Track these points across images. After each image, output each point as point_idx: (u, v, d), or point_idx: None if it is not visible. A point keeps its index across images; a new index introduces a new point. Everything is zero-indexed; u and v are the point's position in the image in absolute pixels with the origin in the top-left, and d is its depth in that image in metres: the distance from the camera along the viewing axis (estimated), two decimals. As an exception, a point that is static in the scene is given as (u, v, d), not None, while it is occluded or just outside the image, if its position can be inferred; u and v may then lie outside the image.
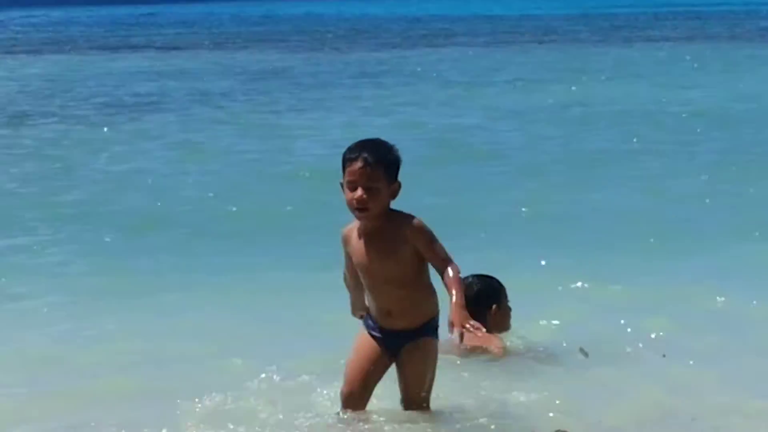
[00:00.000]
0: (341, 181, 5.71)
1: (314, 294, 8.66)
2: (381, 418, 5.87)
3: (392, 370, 5.91)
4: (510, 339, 7.36)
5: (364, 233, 5.75)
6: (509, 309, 7.47)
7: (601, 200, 12.81)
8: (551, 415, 6.07)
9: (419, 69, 30.95)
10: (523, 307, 7.53)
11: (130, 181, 14.68)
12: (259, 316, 8.37)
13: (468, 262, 7.86)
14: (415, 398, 5.90)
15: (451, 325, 5.46)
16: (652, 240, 10.57)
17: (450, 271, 5.58)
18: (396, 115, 20.82)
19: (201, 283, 9.45)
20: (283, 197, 13.12)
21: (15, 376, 7.25)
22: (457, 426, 5.92)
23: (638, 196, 12.96)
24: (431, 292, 5.79)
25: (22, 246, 11.18)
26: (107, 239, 11.39)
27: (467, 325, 5.43)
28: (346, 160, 5.67)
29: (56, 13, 79.14)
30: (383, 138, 5.79)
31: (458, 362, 6.92)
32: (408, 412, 5.90)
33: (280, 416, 6.10)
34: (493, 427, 5.97)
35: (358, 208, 5.64)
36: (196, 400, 6.37)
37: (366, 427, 5.83)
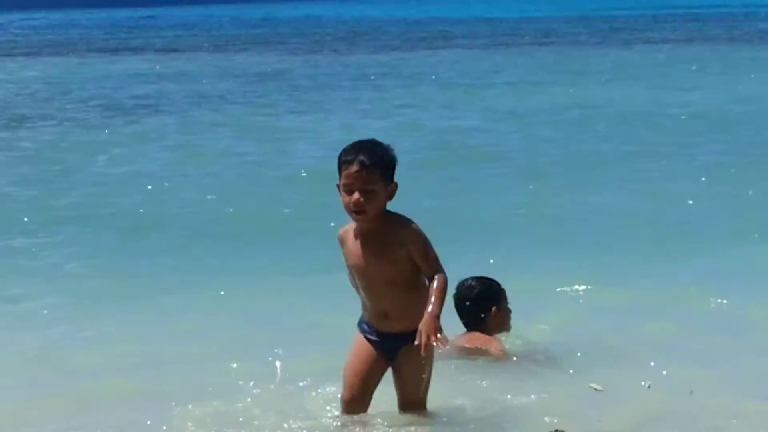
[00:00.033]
0: (337, 183, 5.70)
1: (313, 296, 8.67)
2: (379, 421, 5.86)
3: (388, 373, 5.89)
4: (509, 341, 7.36)
5: (360, 234, 5.74)
6: (509, 311, 7.47)
7: (601, 202, 12.81)
8: (550, 416, 6.06)
9: (418, 71, 30.96)
10: (522, 309, 7.52)
11: (129, 184, 14.67)
12: (257, 318, 8.37)
13: (467, 264, 7.91)
14: (413, 400, 5.89)
15: (419, 333, 5.48)
16: (651, 242, 10.57)
17: (436, 280, 5.60)
18: (395, 117, 20.83)
19: (200, 285, 9.45)
20: (282, 199, 13.12)
21: (14, 378, 7.25)
22: (457, 428, 5.92)
23: (638, 198, 12.96)
24: (426, 293, 5.78)
25: (21, 248, 11.19)
26: (106, 241, 11.39)
27: (433, 337, 5.45)
28: (342, 163, 5.66)
29: (56, 16, 79.15)
30: (382, 140, 5.79)
31: (458, 364, 6.92)
32: (407, 415, 5.89)
33: (279, 418, 6.09)
34: (492, 428, 5.97)
35: (355, 211, 5.64)
36: (195, 402, 6.37)
37: (365, 430, 5.82)
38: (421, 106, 22.75)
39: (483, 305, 7.30)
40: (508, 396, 6.43)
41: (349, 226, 5.81)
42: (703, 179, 13.85)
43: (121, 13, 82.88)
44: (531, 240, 10.86)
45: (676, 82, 25.92)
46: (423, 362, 5.80)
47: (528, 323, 7.64)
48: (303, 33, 52.97)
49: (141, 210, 12.90)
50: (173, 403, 6.37)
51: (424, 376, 5.85)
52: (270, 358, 7.07)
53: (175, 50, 43.10)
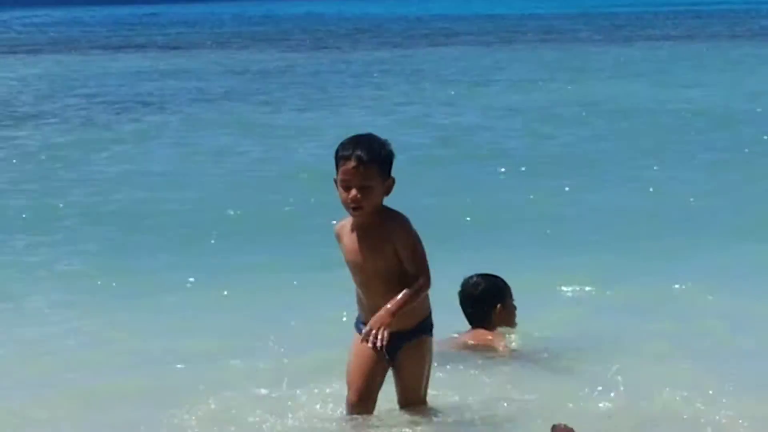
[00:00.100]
0: (335, 177, 5.69)
1: (313, 294, 8.66)
2: (381, 419, 5.85)
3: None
4: (511, 338, 7.36)
5: (356, 227, 5.73)
6: (514, 307, 7.47)
7: (602, 199, 12.80)
8: (554, 413, 6.05)
9: (420, 68, 30.95)
10: (523, 307, 7.53)
11: (130, 181, 14.66)
12: (258, 315, 8.36)
13: (468, 262, 7.92)
14: (414, 397, 5.89)
15: (368, 324, 5.54)
16: (652, 239, 10.56)
17: (416, 283, 5.60)
18: (397, 115, 20.82)
19: (200, 282, 9.44)
20: (284, 197, 13.10)
21: (13, 377, 7.24)
22: (459, 425, 5.91)
23: (639, 195, 12.95)
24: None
25: (21, 245, 11.18)
26: (107, 239, 11.38)
27: (374, 331, 5.51)
28: (340, 158, 5.64)
29: (58, 13, 79.06)
30: (384, 136, 5.77)
31: (462, 361, 6.91)
32: (409, 413, 5.88)
33: (280, 417, 6.08)
34: (494, 426, 5.97)
35: (353, 207, 5.63)
36: (196, 400, 6.36)
37: (366, 428, 5.81)
38: (423, 103, 22.74)
39: (488, 302, 7.30)
40: (510, 393, 6.43)
41: (346, 221, 5.81)
42: (705, 176, 13.84)
43: (124, 11, 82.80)
44: (532, 237, 10.85)
45: (677, 79, 25.89)
46: (423, 359, 5.80)
47: (528, 321, 7.64)
48: (305, 30, 52.93)
49: (142, 207, 12.90)
50: (173, 401, 6.37)
51: (424, 372, 5.84)
52: (271, 356, 7.07)
53: (177, 47, 43.06)
